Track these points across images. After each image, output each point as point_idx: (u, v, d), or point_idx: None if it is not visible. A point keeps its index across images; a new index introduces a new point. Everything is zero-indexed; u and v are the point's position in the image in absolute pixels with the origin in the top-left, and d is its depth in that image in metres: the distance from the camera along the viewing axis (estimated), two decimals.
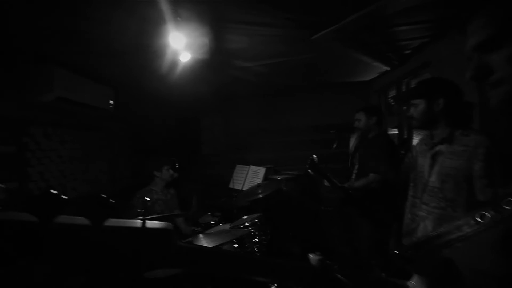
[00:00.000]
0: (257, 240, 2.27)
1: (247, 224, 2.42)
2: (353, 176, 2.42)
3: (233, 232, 2.21)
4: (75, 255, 0.46)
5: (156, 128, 4.13)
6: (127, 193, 3.59)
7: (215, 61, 2.57)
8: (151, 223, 0.48)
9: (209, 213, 3.29)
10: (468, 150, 1.16)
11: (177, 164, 3.24)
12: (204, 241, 1.95)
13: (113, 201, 0.46)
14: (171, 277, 1.59)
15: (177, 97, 3.82)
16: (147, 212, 2.70)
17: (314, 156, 2.28)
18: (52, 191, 0.43)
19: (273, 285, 1.91)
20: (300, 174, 3.42)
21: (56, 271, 0.47)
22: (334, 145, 2.61)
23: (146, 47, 2.11)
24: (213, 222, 2.89)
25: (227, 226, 2.60)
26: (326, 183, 2.13)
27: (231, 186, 3.56)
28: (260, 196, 2.65)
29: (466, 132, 1.20)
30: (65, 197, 0.43)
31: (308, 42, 2.19)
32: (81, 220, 0.43)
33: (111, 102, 2.93)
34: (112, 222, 0.45)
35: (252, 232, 2.31)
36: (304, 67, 3.01)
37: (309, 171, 2.24)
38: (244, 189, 3.38)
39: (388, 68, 3.09)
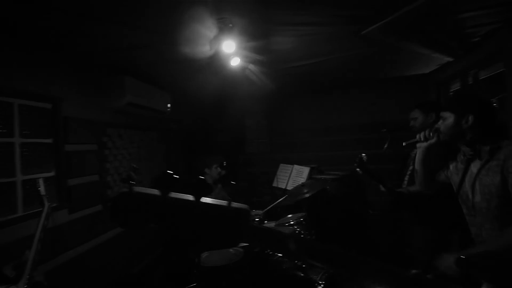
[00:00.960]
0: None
1: (292, 223, 2.47)
2: (406, 178, 2.29)
3: (279, 230, 2.27)
4: (181, 224, 0.57)
5: (205, 128, 4.43)
6: (181, 188, 3.93)
7: (262, 63, 2.68)
8: (235, 204, 0.58)
9: (254, 210, 3.42)
10: (499, 164, 1.12)
11: (224, 163, 3.45)
12: None
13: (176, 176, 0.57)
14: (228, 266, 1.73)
15: (224, 98, 4.05)
16: None
17: (363, 154, 2.22)
18: (168, 171, 0.56)
19: (320, 284, 1.94)
20: (345, 175, 3.33)
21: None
22: (385, 145, 2.47)
23: (200, 54, 2.31)
24: (257, 219, 3.00)
25: (272, 224, 2.68)
26: (380, 187, 2.05)
27: (274, 184, 3.64)
28: (306, 195, 2.67)
29: (497, 145, 1.16)
30: (177, 176, 0.55)
31: (358, 37, 2.14)
32: (187, 196, 0.55)
33: (168, 105, 3.25)
34: (205, 200, 0.56)
35: (298, 231, 2.36)
36: (352, 63, 2.92)
37: (358, 169, 2.18)
38: (288, 188, 3.43)
39: (451, 59, 2.81)
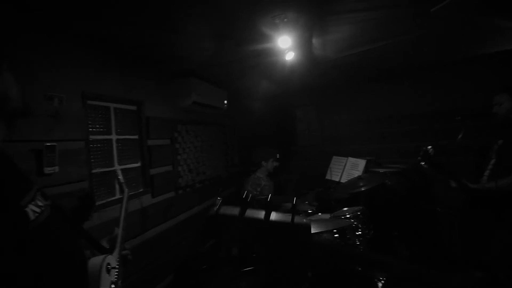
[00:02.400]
0: (359, 233, 2.27)
1: (349, 216, 2.44)
2: (487, 173, 2.04)
3: (335, 222, 2.27)
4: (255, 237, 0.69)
5: (258, 121, 4.61)
6: (236, 178, 4.22)
7: (316, 54, 2.67)
8: (297, 218, 0.67)
9: (306, 202, 3.48)
10: None
11: (278, 155, 3.58)
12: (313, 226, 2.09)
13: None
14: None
15: (276, 91, 4.13)
16: (257, 196, 3.14)
17: (429, 147, 2.05)
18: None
19: (380, 280, 1.92)
20: (407, 168, 3.10)
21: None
22: (460, 135, 2.21)
23: (256, 51, 2.43)
24: (310, 211, 3.03)
25: (327, 215, 2.68)
26: (450, 182, 1.89)
27: (328, 177, 3.62)
28: (362, 189, 2.61)
29: None
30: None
31: (427, 16, 1.96)
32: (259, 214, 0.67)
33: (225, 101, 3.49)
34: (274, 216, 0.67)
35: (354, 224, 2.33)
36: (418, 46, 2.67)
37: (422, 163, 2.03)
38: (342, 181, 3.38)
39: None
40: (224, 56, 2.46)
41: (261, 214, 0.71)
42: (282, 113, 4.80)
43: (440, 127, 3.30)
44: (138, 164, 2.36)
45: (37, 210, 0.68)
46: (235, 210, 0.71)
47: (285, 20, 1.95)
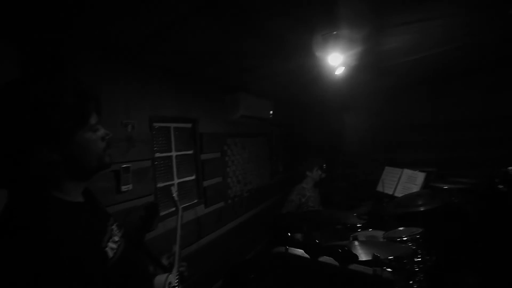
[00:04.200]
0: (419, 259, 2.09)
1: (405, 239, 2.23)
2: None
3: (391, 246, 2.03)
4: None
5: (304, 130, 4.58)
6: (281, 185, 4.26)
7: (368, 64, 2.54)
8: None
9: (355, 214, 3.33)
10: None
11: (324, 165, 3.51)
12: (360, 250, 1.79)
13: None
14: None
15: (322, 98, 4.05)
16: (301, 207, 3.13)
17: (509, 168, 1.80)
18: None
19: None
20: (479, 183, 2.68)
21: None
22: None
23: (305, 67, 2.43)
24: (359, 225, 2.88)
25: (378, 233, 2.51)
26: None
27: (379, 189, 3.41)
28: (421, 209, 2.38)
29: None
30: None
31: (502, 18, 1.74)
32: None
33: (271, 112, 3.56)
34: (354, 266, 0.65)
35: (413, 249, 2.14)
36: (488, 46, 2.38)
37: (500, 186, 1.80)
38: (396, 194, 3.16)
39: None
40: (273, 71, 2.52)
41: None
42: (329, 119, 4.67)
43: None
44: (193, 177, 2.57)
45: (114, 246, 0.74)
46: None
47: (335, 33, 1.91)
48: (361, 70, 2.66)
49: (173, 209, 2.28)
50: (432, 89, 3.62)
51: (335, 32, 1.86)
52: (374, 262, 1.08)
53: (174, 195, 1.51)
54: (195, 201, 2.54)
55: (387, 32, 1.95)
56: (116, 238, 0.78)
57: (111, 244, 0.73)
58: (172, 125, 2.35)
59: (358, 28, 1.84)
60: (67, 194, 0.70)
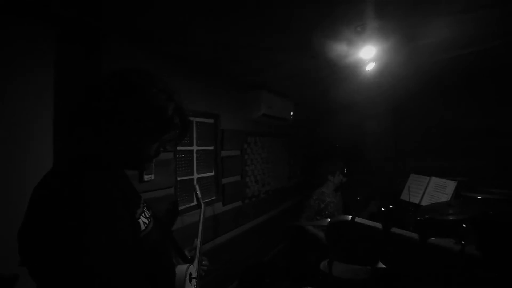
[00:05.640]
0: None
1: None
2: None
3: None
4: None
5: (324, 134, 4.47)
6: (298, 189, 4.15)
7: (401, 60, 2.42)
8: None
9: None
10: None
11: (345, 170, 3.38)
12: None
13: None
14: None
15: (347, 102, 3.94)
16: (320, 213, 3.02)
17: None
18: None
19: None
20: None
21: None
22: None
23: (332, 63, 2.35)
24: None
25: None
26: None
27: (404, 198, 3.25)
28: (451, 218, 2.23)
29: None
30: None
31: None
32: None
33: (291, 113, 3.49)
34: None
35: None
36: None
37: None
38: (422, 203, 2.99)
39: None
40: (299, 68, 2.46)
41: None
42: (349, 123, 4.54)
43: None
44: (212, 174, 2.53)
45: (146, 221, 0.76)
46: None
47: (368, 29, 1.83)
48: (392, 67, 2.53)
49: (192, 204, 2.26)
50: (463, 88, 3.37)
51: (368, 24, 1.78)
52: None
53: (197, 192, 1.53)
54: (213, 198, 2.49)
55: (427, 22, 1.83)
56: (147, 215, 0.79)
57: (143, 218, 0.74)
58: (195, 119, 2.34)
59: (394, 18, 1.75)
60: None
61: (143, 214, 0.75)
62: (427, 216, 2.31)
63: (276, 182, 3.54)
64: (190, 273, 1.06)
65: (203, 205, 1.47)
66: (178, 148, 2.16)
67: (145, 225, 0.74)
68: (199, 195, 1.52)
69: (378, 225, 2.14)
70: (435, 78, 3.17)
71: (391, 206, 2.64)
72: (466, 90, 3.43)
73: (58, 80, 1.26)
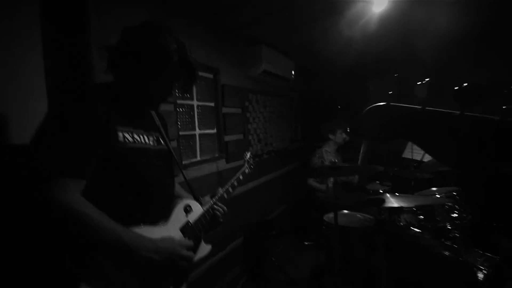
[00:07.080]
0: (455, 215, 1.97)
1: (438, 196, 2.13)
2: None
3: (421, 199, 2.01)
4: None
5: (327, 94, 4.37)
6: (300, 153, 4.15)
7: None
8: None
9: (377, 182, 3.20)
10: None
11: (348, 129, 3.35)
12: (391, 200, 1.89)
13: None
14: None
15: (348, 61, 3.78)
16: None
17: None
18: None
19: (482, 271, 1.64)
20: None
21: None
22: None
23: (337, 9, 2.19)
24: (381, 191, 2.78)
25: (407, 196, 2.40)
26: None
27: (406, 155, 3.25)
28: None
29: None
30: None
31: None
32: None
33: (292, 72, 3.37)
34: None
35: (449, 205, 2.02)
36: None
37: None
38: (424, 160, 3.00)
39: None
40: (293, 20, 2.31)
41: None
42: (352, 85, 4.42)
43: None
44: (214, 131, 2.49)
45: (129, 139, 0.85)
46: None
47: None
48: (408, 8, 2.32)
49: (194, 159, 2.25)
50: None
51: None
52: None
53: (247, 156, 1.58)
54: (216, 155, 2.48)
55: None
56: (138, 138, 0.88)
57: (126, 134, 0.84)
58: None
59: None
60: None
61: (129, 133, 0.85)
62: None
63: (279, 143, 3.52)
64: (189, 205, 1.07)
65: (247, 167, 1.52)
66: (179, 101, 2.10)
67: (126, 139, 0.84)
68: (246, 158, 1.57)
69: None
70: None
71: None
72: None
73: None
